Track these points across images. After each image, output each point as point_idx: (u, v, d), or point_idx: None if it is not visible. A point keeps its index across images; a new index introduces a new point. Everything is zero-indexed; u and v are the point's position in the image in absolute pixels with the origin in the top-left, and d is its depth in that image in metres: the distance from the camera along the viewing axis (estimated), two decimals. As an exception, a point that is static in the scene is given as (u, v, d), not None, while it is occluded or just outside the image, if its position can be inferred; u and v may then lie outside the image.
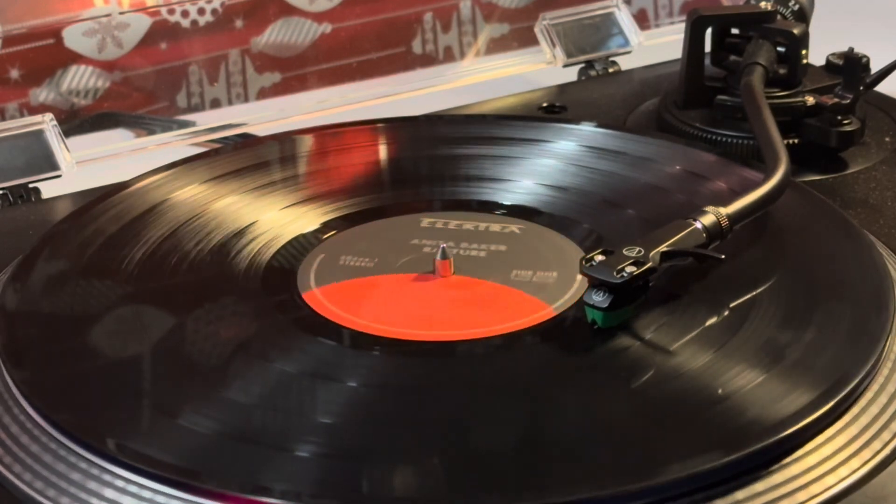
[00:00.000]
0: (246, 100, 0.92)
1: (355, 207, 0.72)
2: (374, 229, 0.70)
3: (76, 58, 0.87)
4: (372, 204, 0.72)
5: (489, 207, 0.71)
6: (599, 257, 0.61)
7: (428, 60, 0.97)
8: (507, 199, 0.72)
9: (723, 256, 0.62)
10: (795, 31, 0.79)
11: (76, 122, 0.87)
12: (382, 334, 0.61)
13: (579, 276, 0.63)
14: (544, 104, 0.87)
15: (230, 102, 0.92)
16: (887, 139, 0.81)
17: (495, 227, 0.69)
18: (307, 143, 0.78)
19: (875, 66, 0.79)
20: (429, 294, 0.65)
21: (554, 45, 0.93)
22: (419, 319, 0.62)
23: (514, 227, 0.69)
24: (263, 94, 0.93)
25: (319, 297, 0.64)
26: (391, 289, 0.65)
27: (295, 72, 0.93)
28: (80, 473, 0.54)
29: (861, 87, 0.77)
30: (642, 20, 1.01)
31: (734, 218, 0.64)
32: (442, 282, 0.65)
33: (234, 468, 0.53)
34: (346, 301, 0.63)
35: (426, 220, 0.70)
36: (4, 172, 0.78)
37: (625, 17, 0.95)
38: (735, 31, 0.82)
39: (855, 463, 0.54)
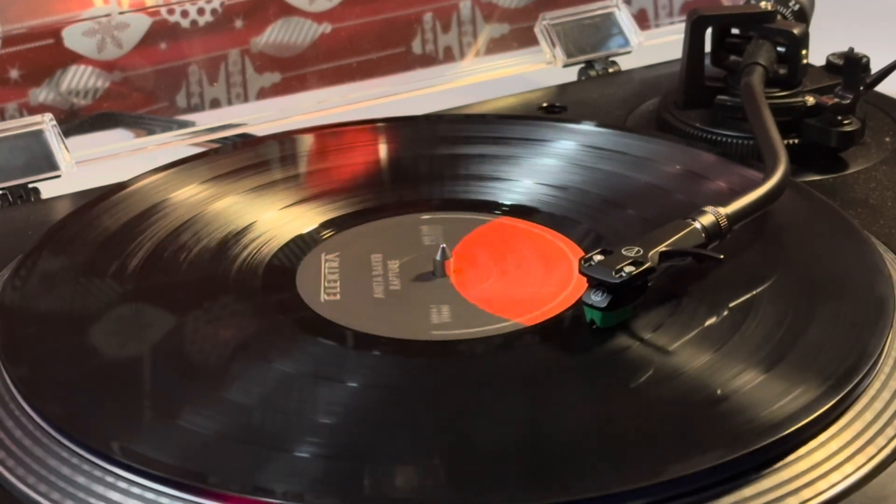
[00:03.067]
0: (246, 100, 0.92)
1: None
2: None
3: (76, 58, 0.87)
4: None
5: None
6: (598, 257, 0.60)
7: (428, 60, 0.97)
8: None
9: (722, 256, 0.62)
10: (795, 31, 0.79)
11: (76, 122, 0.87)
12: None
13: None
14: (544, 104, 0.87)
15: (230, 102, 0.92)
16: (887, 139, 0.81)
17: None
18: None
19: (875, 66, 0.79)
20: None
21: (554, 45, 0.93)
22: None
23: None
24: (263, 94, 0.93)
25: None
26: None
27: (295, 72, 0.93)
28: (83, 476, 0.54)
29: (861, 87, 0.77)
30: (642, 20, 1.01)
31: (733, 218, 0.64)
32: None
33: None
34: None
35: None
36: (4, 172, 0.78)
37: (625, 18, 0.95)
38: (735, 31, 0.82)
39: (860, 459, 0.54)
